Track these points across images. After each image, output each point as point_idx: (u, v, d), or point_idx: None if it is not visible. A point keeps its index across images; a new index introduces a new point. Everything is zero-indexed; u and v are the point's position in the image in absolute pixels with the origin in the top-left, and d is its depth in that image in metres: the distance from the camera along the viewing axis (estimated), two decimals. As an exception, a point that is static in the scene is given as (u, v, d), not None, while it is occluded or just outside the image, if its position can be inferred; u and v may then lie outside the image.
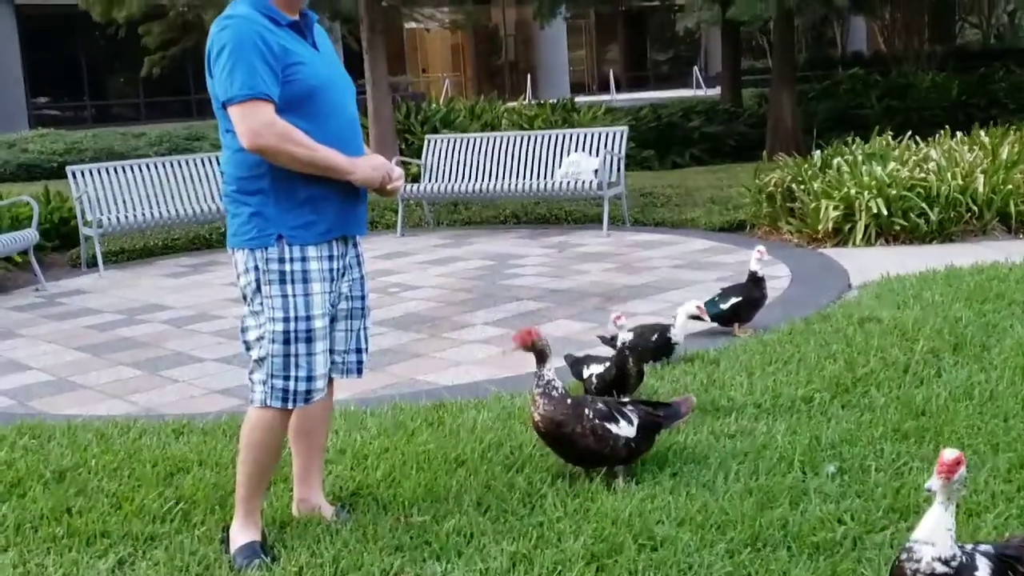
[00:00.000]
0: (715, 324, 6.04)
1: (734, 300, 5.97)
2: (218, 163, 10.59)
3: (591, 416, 3.83)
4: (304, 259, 3.34)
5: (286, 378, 3.36)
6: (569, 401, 3.87)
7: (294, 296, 3.33)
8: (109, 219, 9.81)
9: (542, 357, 3.86)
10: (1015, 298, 6.18)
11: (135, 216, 10.03)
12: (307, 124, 3.28)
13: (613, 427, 3.84)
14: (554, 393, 3.83)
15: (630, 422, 3.89)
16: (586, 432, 3.80)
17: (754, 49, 37.31)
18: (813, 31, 37.21)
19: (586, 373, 4.88)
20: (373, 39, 13.47)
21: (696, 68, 40.37)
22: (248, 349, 3.44)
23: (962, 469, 2.64)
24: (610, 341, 5.23)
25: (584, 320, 6.69)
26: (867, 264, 7.72)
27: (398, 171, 3.50)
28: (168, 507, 3.86)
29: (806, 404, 4.63)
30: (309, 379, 3.38)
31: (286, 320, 3.32)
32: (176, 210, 10.28)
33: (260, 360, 3.37)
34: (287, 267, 3.32)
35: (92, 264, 9.75)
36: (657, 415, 4.03)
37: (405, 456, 4.23)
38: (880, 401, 4.59)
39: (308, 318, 3.35)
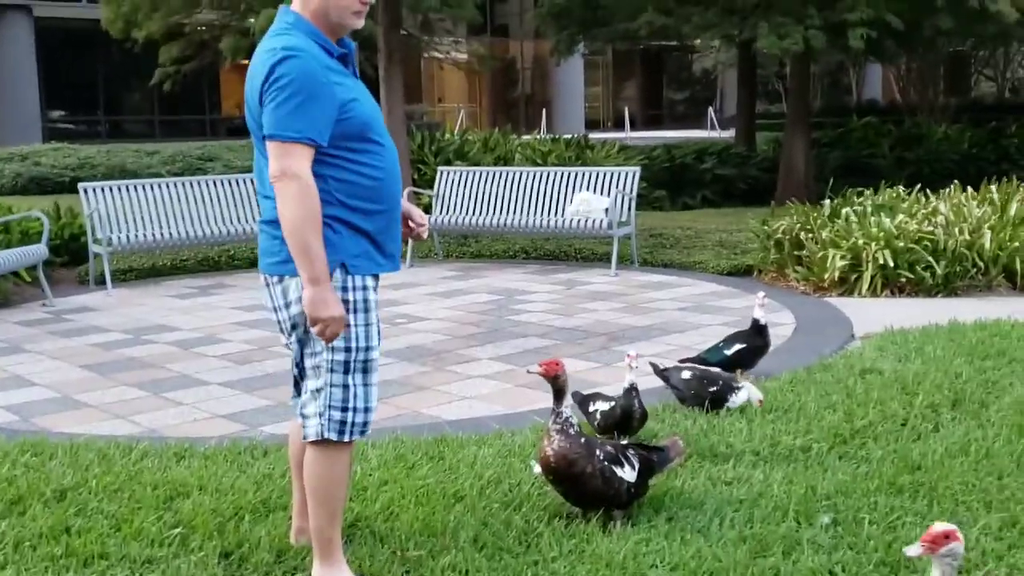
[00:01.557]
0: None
1: (737, 347, 5.99)
2: (230, 184, 10.71)
3: (601, 457, 3.86)
4: (365, 288, 3.30)
5: (344, 409, 3.30)
6: (583, 440, 3.89)
7: (356, 326, 3.27)
8: (119, 237, 9.86)
9: (560, 394, 3.88)
10: (1016, 356, 6.21)
11: (145, 235, 10.09)
12: (366, 156, 3.27)
13: (619, 470, 3.88)
14: (571, 431, 3.85)
15: (632, 467, 3.92)
16: (595, 473, 3.82)
17: (770, 94, 37.50)
18: (829, 77, 37.42)
19: (591, 409, 4.94)
20: (391, 68, 13.58)
21: (711, 109, 40.54)
22: (300, 380, 3.39)
23: (953, 544, 2.67)
24: (662, 372, 5.60)
25: (589, 360, 6.72)
26: (871, 315, 7.75)
27: (420, 216, 3.51)
28: (167, 531, 3.88)
29: (804, 453, 4.66)
30: (366, 410, 3.34)
31: (347, 351, 3.27)
32: (186, 231, 10.34)
33: (317, 391, 3.33)
34: (350, 296, 3.26)
35: (100, 281, 9.83)
36: (651, 459, 4.05)
37: (404, 489, 4.25)
38: (877, 454, 4.61)
39: (368, 348, 3.31)
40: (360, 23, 3.32)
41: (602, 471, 3.83)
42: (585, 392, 5.12)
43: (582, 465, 3.80)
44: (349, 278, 3.26)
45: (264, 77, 3.16)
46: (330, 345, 3.25)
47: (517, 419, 5.34)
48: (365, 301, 3.30)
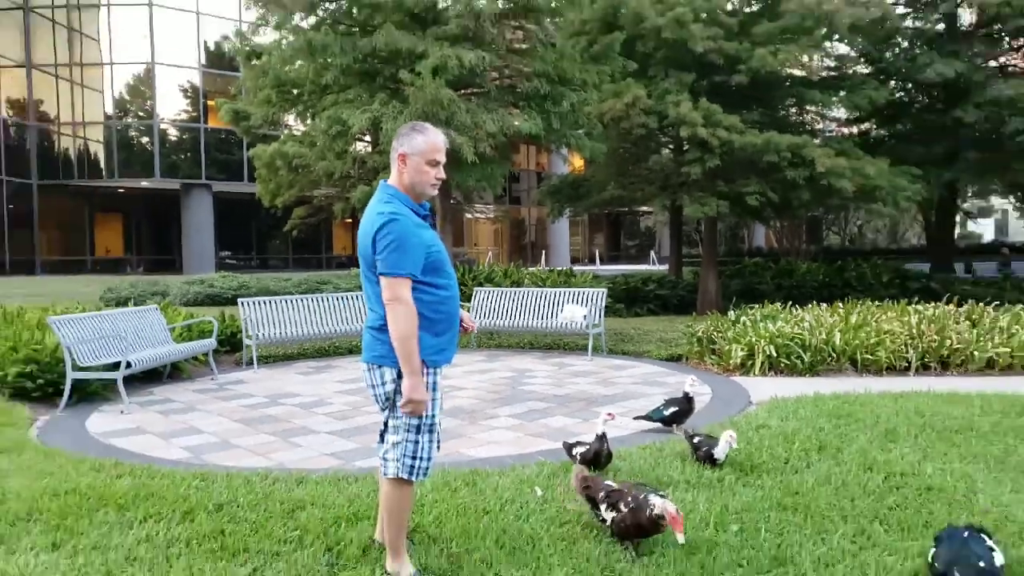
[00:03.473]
0: (660, 425, 5.99)
1: (673, 409, 5.91)
2: (337, 300, 10.75)
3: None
4: (435, 374, 3.21)
5: (414, 457, 3.21)
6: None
7: (427, 401, 3.16)
8: (263, 334, 9.89)
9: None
10: (859, 416, 6.11)
11: (280, 333, 10.10)
12: (442, 280, 3.21)
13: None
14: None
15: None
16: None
17: (691, 241, 37.75)
18: (729, 231, 37.71)
19: (573, 452, 4.85)
20: (443, 224, 13.75)
21: (652, 251, 40.86)
22: (384, 433, 3.28)
23: None
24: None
25: (575, 417, 6.62)
26: (762, 389, 7.66)
27: (469, 320, 3.46)
28: (289, 533, 3.81)
29: (719, 483, 4.56)
30: (428, 459, 3.24)
31: (419, 417, 3.18)
32: (307, 329, 10.34)
33: (396, 444, 3.22)
34: (428, 379, 3.17)
35: (250, 363, 9.81)
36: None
37: (449, 506, 4.18)
38: (768, 483, 4.51)
39: (433, 416, 3.22)
40: (435, 192, 3.27)
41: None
42: (570, 441, 5.04)
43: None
44: (427, 369, 3.19)
45: (375, 231, 3.11)
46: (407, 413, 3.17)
47: (526, 458, 5.24)
48: (434, 383, 3.22)
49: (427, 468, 3.25)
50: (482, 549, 3.58)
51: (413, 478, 3.25)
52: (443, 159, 3.23)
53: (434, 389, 3.22)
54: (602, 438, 4.70)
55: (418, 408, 3.12)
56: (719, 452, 4.75)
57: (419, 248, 3.11)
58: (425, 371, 3.18)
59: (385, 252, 3.09)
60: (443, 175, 3.24)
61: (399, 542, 3.34)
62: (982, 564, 2.97)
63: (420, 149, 3.19)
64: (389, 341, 3.13)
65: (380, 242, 3.10)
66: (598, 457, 4.70)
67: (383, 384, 3.22)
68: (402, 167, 3.21)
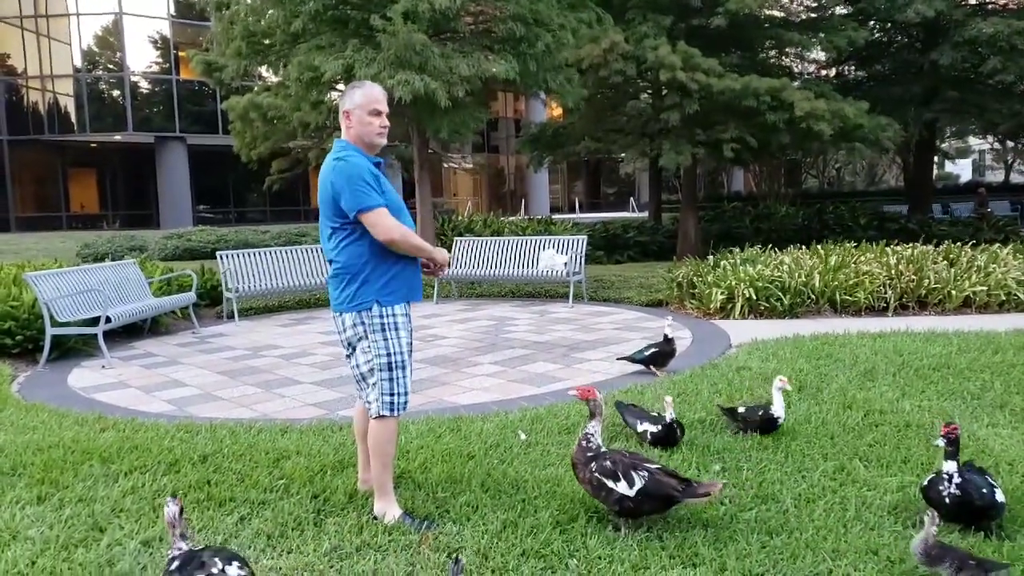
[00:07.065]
0: (641, 366, 6.03)
1: (654, 351, 5.95)
2: (316, 252, 10.66)
3: (594, 469, 3.22)
4: (394, 314, 3.28)
5: (392, 394, 3.29)
6: (588, 453, 3.26)
7: (392, 339, 3.26)
8: (243, 287, 9.80)
9: (592, 415, 3.32)
10: (838, 357, 6.18)
11: (260, 285, 10.02)
12: None
13: (611, 483, 3.17)
14: (583, 443, 3.29)
15: (631, 484, 3.15)
16: (586, 479, 3.25)
17: (670, 187, 37.69)
18: (708, 176, 37.64)
19: (640, 428, 4.27)
20: (422, 174, 13.57)
21: (632, 198, 40.79)
22: (362, 379, 3.35)
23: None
24: (729, 412, 4.44)
25: (556, 363, 6.63)
26: (742, 331, 7.71)
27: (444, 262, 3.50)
28: (275, 482, 3.81)
29: (701, 424, 4.60)
30: (405, 393, 3.32)
31: (389, 355, 3.26)
32: (287, 281, 10.28)
33: (374, 384, 3.30)
34: (386, 320, 3.25)
35: (231, 316, 9.73)
36: (674, 490, 3.13)
37: (434, 452, 4.19)
38: (750, 423, 4.57)
39: (402, 352, 3.28)
40: (383, 141, 3.35)
41: (591, 480, 3.21)
42: (629, 405, 4.57)
43: (579, 470, 3.27)
44: (382, 308, 3.27)
45: (333, 178, 3.21)
46: (377, 353, 3.27)
47: (509, 403, 5.26)
48: (395, 322, 3.28)
49: (405, 402, 3.34)
50: (468, 493, 3.60)
51: (394, 413, 3.33)
52: (384, 109, 3.34)
53: (396, 328, 3.28)
54: (672, 424, 4.18)
55: (445, 264, 3.40)
56: (777, 409, 4.17)
57: (373, 183, 3.21)
58: (384, 311, 3.27)
59: (349, 193, 3.18)
60: (387, 124, 3.34)
61: (386, 480, 3.39)
62: (984, 491, 3.08)
63: (359, 102, 3.30)
64: (349, 286, 3.26)
65: (343, 187, 3.18)
66: (672, 434, 4.19)
67: (344, 330, 3.34)
68: (348, 123, 3.34)
